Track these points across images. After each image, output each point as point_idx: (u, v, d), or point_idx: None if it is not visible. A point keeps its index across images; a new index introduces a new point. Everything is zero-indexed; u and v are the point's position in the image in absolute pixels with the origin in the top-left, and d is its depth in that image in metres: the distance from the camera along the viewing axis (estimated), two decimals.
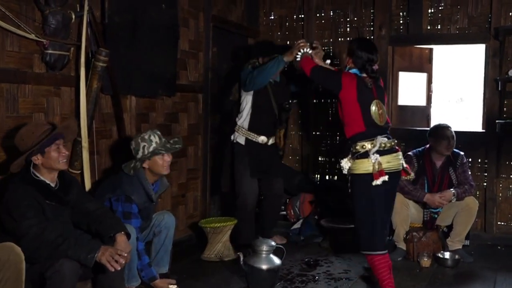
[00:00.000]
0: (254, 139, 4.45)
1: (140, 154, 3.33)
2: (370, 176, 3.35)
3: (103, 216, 3.00)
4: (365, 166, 3.38)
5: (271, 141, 4.54)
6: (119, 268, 2.72)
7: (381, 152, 3.38)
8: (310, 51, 3.81)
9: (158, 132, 3.43)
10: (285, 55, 4.05)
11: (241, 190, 4.46)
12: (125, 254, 2.77)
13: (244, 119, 4.45)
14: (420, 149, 4.63)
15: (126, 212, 3.25)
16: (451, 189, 4.40)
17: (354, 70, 3.53)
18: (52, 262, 2.64)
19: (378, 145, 3.38)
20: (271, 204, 4.72)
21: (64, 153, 2.90)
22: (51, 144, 2.85)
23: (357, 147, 3.41)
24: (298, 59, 3.81)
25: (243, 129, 4.44)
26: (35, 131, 2.85)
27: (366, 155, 3.38)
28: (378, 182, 3.34)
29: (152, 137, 3.35)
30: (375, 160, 3.35)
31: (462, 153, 4.57)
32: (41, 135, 2.84)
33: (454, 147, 4.48)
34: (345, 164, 3.45)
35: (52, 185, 2.90)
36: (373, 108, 3.45)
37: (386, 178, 3.35)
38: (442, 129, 4.50)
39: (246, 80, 4.30)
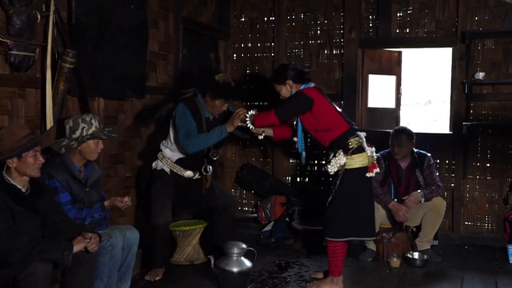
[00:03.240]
0: (179, 173, 4.10)
1: (77, 134, 3.24)
2: (364, 170, 3.56)
3: (68, 226, 2.98)
4: (362, 160, 3.56)
5: (197, 176, 4.16)
6: (96, 248, 2.89)
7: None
8: (254, 112, 3.78)
9: (98, 118, 3.40)
10: (228, 126, 3.84)
11: (154, 210, 4.00)
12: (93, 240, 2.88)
13: (172, 153, 4.10)
14: (386, 150, 4.66)
15: (52, 188, 3.16)
16: (419, 191, 4.45)
17: (302, 87, 3.69)
18: (25, 265, 2.62)
19: (364, 139, 3.59)
20: (223, 219, 4.33)
21: (40, 161, 2.87)
22: (30, 149, 2.81)
23: (351, 144, 3.56)
24: (251, 126, 3.76)
25: (169, 161, 4.10)
26: (16, 134, 2.80)
27: (361, 149, 3.56)
28: (372, 174, 3.60)
29: (93, 121, 3.30)
30: (371, 153, 3.59)
31: (429, 154, 4.63)
32: (22, 139, 2.79)
33: (402, 153, 4.48)
34: (341, 160, 3.53)
35: (23, 190, 2.85)
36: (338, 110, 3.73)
37: (378, 169, 3.68)
38: (393, 134, 4.53)
39: (182, 135, 3.87)
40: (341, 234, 3.65)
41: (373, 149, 3.69)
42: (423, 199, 4.42)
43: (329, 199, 3.65)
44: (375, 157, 3.70)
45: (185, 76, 5.05)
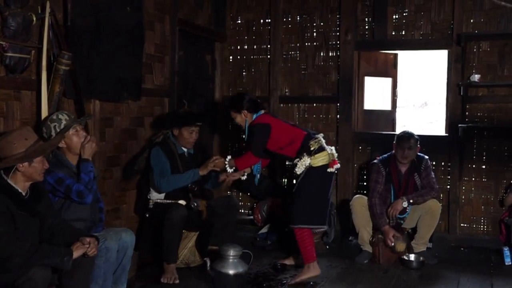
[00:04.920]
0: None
1: (53, 135, 3.24)
2: (326, 166, 3.99)
3: (65, 229, 2.99)
4: (324, 158, 3.99)
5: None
6: (95, 252, 2.90)
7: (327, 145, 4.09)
8: (230, 157, 4.20)
9: (66, 112, 3.37)
10: (201, 170, 4.16)
11: (170, 209, 4.05)
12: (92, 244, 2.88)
13: (158, 193, 4.24)
14: (385, 155, 4.66)
15: (57, 180, 3.16)
16: (402, 197, 4.44)
17: (255, 116, 4.15)
18: (24, 270, 2.62)
19: (323, 140, 4.08)
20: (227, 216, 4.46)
21: (46, 166, 2.93)
22: (42, 154, 2.89)
23: (312, 146, 4.01)
24: (230, 170, 4.18)
25: (160, 200, 4.22)
26: (29, 138, 2.86)
27: (322, 149, 4.02)
28: (333, 169, 4.03)
29: (60, 116, 3.28)
30: (331, 151, 4.04)
31: (426, 157, 4.63)
32: (34, 144, 2.86)
33: (411, 157, 4.51)
34: (306, 161, 3.96)
35: (23, 193, 2.87)
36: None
37: (339, 165, 4.07)
38: (401, 138, 4.51)
39: (157, 174, 4.14)
40: (308, 221, 4.00)
41: (333, 147, 4.15)
42: (406, 203, 4.41)
43: (293, 191, 4.05)
44: (336, 154, 4.09)
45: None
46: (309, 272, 4.01)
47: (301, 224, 3.97)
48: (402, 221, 4.59)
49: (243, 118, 4.17)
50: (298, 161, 3.99)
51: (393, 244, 4.40)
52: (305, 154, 3.98)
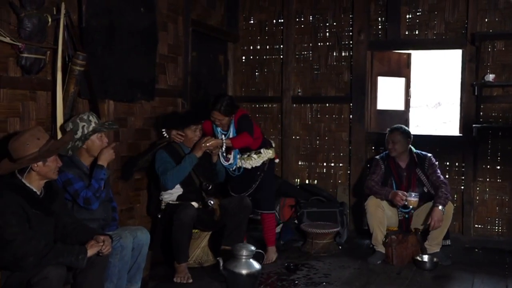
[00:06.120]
0: None
1: (79, 134, 3.29)
2: (273, 159, 4.65)
3: (79, 228, 3.02)
4: (273, 152, 4.62)
5: (201, 206, 4.23)
6: (110, 250, 2.91)
7: None
8: (223, 139, 4.25)
9: (95, 115, 3.44)
10: (195, 152, 4.13)
11: (179, 208, 4.03)
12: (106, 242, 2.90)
13: (169, 195, 4.23)
14: (386, 152, 4.71)
15: (65, 181, 3.21)
16: (437, 205, 4.30)
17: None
18: (39, 269, 2.65)
19: None
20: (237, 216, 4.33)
21: (60, 164, 2.97)
22: (55, 153, 2.93)
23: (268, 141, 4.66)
24: (224, 147, 4.31)
25: (172, 201, 4.21)
26: (41, 138, 2.88)
27: (271, 144, 4.67)
28: (277, 160, 4.83)
29: (91, 117, 3.35)
30: (273, 146, 4.75)
31: (429, 154, 4.63)
32: (47, 143, 2.88)
33: (399, 150, 4.56)
34: (268, 154, 4.52)
35: (38, 192, 2.89)
36: None
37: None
38: (389, 132, 4.68)
39: (160, 173, 4.12)
40: (274, 207, 4.75)
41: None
42: (443, 209, 4.32)
43: (257, 182, 4.49)
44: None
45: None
46: (274, 253, 4.56)
47: (271, 210, 4.62)
48: (407, 215, 4.56)
49: (230, 120, 4.36)
50: (256, 153, 4.46)
51: (405, 202, 4.38)
52: (264, 148, 4.52)
